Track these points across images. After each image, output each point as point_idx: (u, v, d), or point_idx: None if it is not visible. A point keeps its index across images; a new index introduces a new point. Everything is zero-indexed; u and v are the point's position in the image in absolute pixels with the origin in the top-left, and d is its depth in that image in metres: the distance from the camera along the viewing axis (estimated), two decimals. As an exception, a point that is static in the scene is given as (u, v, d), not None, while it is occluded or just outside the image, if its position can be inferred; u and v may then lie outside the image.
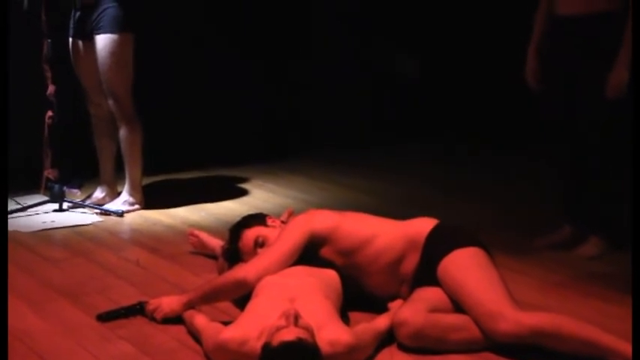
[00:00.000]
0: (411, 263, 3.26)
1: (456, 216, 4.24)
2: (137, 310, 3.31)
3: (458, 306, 3.06)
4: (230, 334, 2.85)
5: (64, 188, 4.81)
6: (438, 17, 6.61)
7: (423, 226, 3.30)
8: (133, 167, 4.80)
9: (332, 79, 6.56)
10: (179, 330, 3.18)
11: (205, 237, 4.04)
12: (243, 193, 5.31)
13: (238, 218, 3.69)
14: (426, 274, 3.19)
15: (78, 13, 4.68)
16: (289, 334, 2.65)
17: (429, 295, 3.12)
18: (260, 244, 3.48)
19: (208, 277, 3.60)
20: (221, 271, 3.60)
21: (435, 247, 3.20)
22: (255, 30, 6.18)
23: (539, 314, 2.93)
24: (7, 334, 2.91)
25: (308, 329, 2.71)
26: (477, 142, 6.41)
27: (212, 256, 3.94)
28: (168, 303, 3.25)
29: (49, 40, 4.58)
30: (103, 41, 4.59)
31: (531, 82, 4.15)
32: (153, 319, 3.25)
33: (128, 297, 3.47)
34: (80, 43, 4.73)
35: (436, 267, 3.14)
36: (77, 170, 5.25)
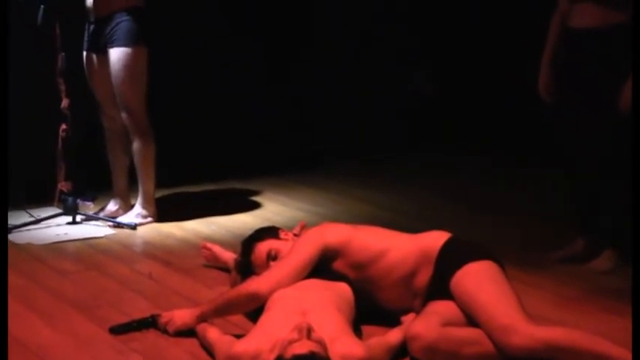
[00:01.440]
0: (424, 277, 3.25)
1: (469, 229, 4.23)
2: (150, 323, 3.31)
3: (471, 320, 3.05)
4: (243, 347, 2.85)
5: (78, 201, 4.83)
6: (451, 29, 6.61)
7: (436, 239, 3.29)
8: (146, 180, 4.81)
9: (345, 91, 6.57)
10: (192, 343, 3.18)
11: (218, 250, 4.04)
12: (256, 206, 5.31)
13: (251, 231, 3.69)
14: (439, 287, 3.18)
15: (92, 27, 4.71)
16: (302, 348, 2.64)
17: (442, 308, 3.11)
18: (273, 257, 3.47)
19: (221, 290, 3.60)
20: (234, 284, 3.60)
21: (448, 261, 3.19)
22: (273, 45, 6.19)
23: (552, 328, 2.92)
24: (7, 339, 2.91)
25: (321, 343, 2.70)
26: (491, 155, 6.39)
27: (225, 269, 3.94)
28: (181, 316, 3.25)
29: (63, 54, 4.60)
30: (116, 54, 4.61)
31: (544, 94, 4.15)
32: (165, 332, 3.25)
33: (141, 310, 3.47)
34: (94, 56, 4.75)
35: (449, 280, 3.13)
36: (91, 183, 5.27)
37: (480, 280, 3.08)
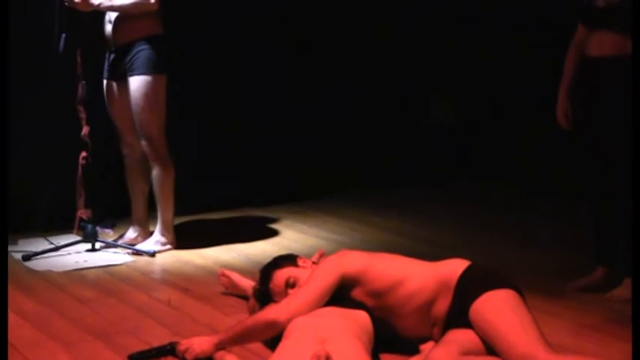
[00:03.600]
0: (442, 305, 3.24)
1: (488, 257, 4.22)
2: (168, 350, 3.31)
3: (490, 349, 3.03)
4: (261, 375, 2.84)
5: (97, 228, 4.85)
6: (471, 60, 6.62)
7: (455, 267, 3.28)
8: (165, 207, 4.82)
9: (363, 119, 6.58)
10: (210, 371, 3.18)
11: (236, 277, 4.04)
12: (274, 233, 5.31)
13: (269, 259, 3.69)
14: (458, 316, 3.16)
15: (112, 56, 4.75)
16: (320, 376, 2.63)
17: (461, 337, 3.09)
18: (291, 284, 3.47)
19: (239, 317, 3.59)
20: (252, 312, 3.59)
21: (467, 289, 3.18)
22: (288, 68, 6.21)
23: (572, 357, 2.90)
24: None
25: (339, 371, 2.69)
26: (509, 183, 6.37)
27: (243, 297, 3.93)
28: (200, 343, 3.24)
29: (84, 82, 4.64)
30: (136, 83, 4.64)
31: (562, 122, 4.16)
32: (184, 359, 3.25)
33: (159, 337, 3.47)
34: (114, 84, 4.79)
35: (468, 309, 3.12)
36: (110, 210, 5.30)
37: (499, 309, 3.07)
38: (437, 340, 3.19)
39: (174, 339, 3.37)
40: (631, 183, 3.04)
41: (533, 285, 3.79)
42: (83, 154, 4.67)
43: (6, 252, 3.39)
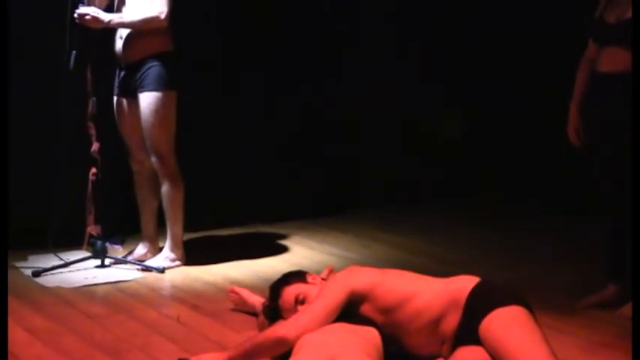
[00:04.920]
0: (452, 322, 3.22)
1: (498, 274, 4.20)
2: (177, 367, 3.31)
3: (500, 366, 3.02)
4: (270, 392, 2.83)
5: (107, 244, 4.85)
6: (483, 76, 6.62)
7: (464, 284, 3.27)
8: (174, 223, 4.83)
9: (375, 135, 6.57)
10: (219, 388, 3.17)
11: (246, 294, 4.04)
12: (284, 249, 5.31)
13: (279, 275, 3.68)
14: (468, 332, 3.15)
15: (122, 72, 4.76)
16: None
17: (470, 354, 3.08)
18: (300, 301, 3.46)
19: (249, 334, 3.58)
20: (262, 329, 3.59)
21: (477, 306, 3.16)
22: (300, 87, 6.21)
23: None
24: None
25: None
26: (521, 201, 6.36)
27: (253, 314, 3.93)
28: (209, 360, 3.24)
29: (94, 99, 4.66)
30: (146, 99, 4.66)
31: (573, 139, 4.15)
32: (193, 376, 3.25)
33: (169, 354, 3.47)
34: (124, 101, 4.80)
35: (478, 325, 3.11)
36: (119, 226, 5.30)
37: (509, 326, 3.05)
38: (446, 358, 3.18)
39: (183, 355, 3.36)
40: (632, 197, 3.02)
41: (543, 302, 3.77)
42: (93, 170, 4.68)
43: (6, 259, 3.38)
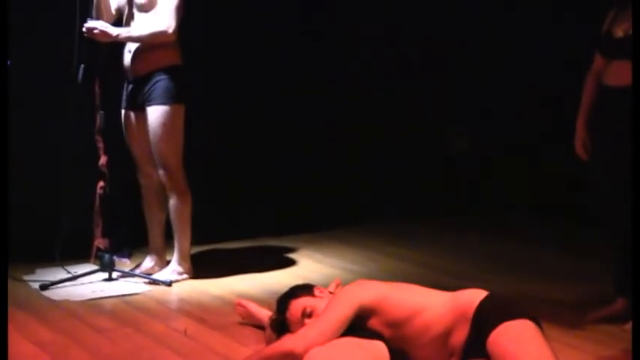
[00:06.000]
0: (460, 335, 3.22)
1: (506, 288, 4.19)
2: (185, 380, 3.31)
3: (509, 380, 3.01)
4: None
5: (114, 257, 4.86)
6: (486, 89, 6.63)
7: (472, 297, 3.26)
8: (182, 237, 4.83)
9: (380, 149, 6.58)
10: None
11: (253, 307, 4.04)
12: (291, 263, 5.31)
13: (286, 288, 3.69)
14: (476, 346, 3.14)
15: (130, 86, 4.78)
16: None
17: (479, 368, 3.07)
18: (308, 314, 3.46)
19: (256, 348, 3.58)
20: (269, 342, 3.58)
21: (485, 319, 3.15)
22: (304, 102, 6.23)
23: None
24: None
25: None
26: (528, 213, 6.35)
27: (260, 327, 3.93)
28: (216, 374, 3.24)
29: (102, 112, 4.67)
30: (154, 112, 4.67)
31: (580, 152, 4.15)
32: (200, 390, 3.25)
33: (176, 367, 3.47)
34: (132, 114, 4.81)
35: (486, 339, 3.10)
36: (127, 239, 5.31)
37: (517, 339, 3.05)
38: (455, 371, 3.17)
39: (190, 369, 3.37)
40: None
41: (551, 316, 3.76)
42: (101, 183, 4.69)
43: (6, 269, 3.38)
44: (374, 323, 3.30)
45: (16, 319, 4.09)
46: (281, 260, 5.34)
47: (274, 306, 3.66)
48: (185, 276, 4.84)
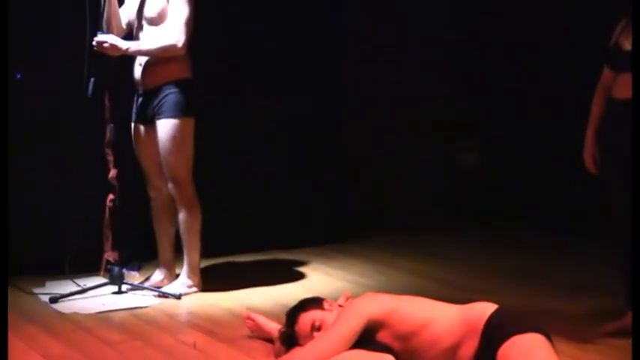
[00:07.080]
0: (469, 349, 3.21)
1: (516, 301, 4.17)
2: (193, 394, 3.30)
3: (518, 394, 3.00)
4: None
5: (124, 270, 4.86)
6: (498, 101, 6.62)
7: (482, 310, 3.25)
8: (191, 250, 4.83)
9: (390, 161, 6.57)
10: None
11: (262, 320, 4.03)
12: (301, 276, 5.30)
13: (295, 301, 3.68)
14: (485, 359, 3.13)
15: (140, 99, 4.79)
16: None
17: (488, 382, 3.06)
18: (317, 327, 3.46)
19: (265, 361, 3.58)
20: (278, 355, 3.58)
21: (495, 333, 3.15)
22: (313, 115, 6.23)
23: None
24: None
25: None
26: (538, 227, 6.33)
27: (269, 340, 3.92)
28: (225, 387, 3.23)
29: (112, 125, 4.69)
30: (164, 126, 4.68)
31: (589, 165, 4.14)
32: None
33: (185, 380, 3.46)
34: (142, 127, 4.83)
35: (496, 352, 3.09)
36: (136, 252, 5.31)
37: (527, 353, 3.04)
38: (464, 385, 3.16)
39: (199, 382, 3.36)
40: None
41: (562, 330, 3.75)
42: (110, 196, 4.70)
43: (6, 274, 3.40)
44: (383, 336, 3.30)
45: (25, 332, 4.10)
46: (290, 273, 5.34)
47: (283, 319, 3.66)
48: (194, 289, 4.85)
